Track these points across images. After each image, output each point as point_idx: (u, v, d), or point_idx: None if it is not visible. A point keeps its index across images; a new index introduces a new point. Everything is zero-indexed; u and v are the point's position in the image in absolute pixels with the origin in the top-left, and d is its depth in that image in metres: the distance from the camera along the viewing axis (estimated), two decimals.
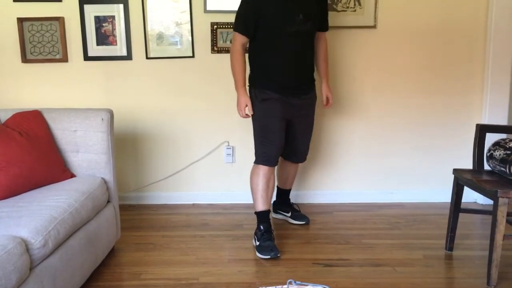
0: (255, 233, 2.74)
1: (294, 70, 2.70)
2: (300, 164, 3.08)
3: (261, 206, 2.74)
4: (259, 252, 2.62)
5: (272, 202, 3.18)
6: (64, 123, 2.54)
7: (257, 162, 2.75)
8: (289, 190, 3.17)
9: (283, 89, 2.69)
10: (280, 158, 2.93)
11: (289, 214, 3.12)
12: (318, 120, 3.38)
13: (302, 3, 2.64)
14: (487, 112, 3.31)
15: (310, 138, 2.96)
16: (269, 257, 2.58)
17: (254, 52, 2.74)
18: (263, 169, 2.71)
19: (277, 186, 3.15)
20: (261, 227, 2.71)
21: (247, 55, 2.75)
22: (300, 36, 2.65)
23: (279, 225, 3.06)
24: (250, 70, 2.78)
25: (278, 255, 2.59)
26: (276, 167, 2.87)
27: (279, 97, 2.68)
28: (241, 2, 2.66)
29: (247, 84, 2.77)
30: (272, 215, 3.18)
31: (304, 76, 2.77)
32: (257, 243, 2.67)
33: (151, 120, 3.39)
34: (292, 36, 2.62)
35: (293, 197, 3.35)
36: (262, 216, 2.74)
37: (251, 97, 2.73)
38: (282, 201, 3.17)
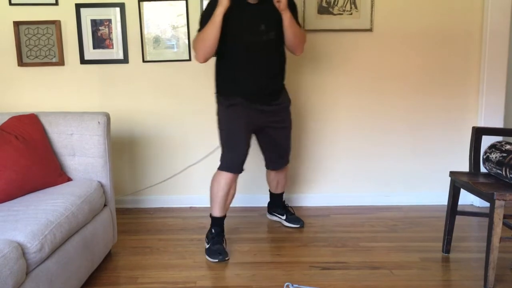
0: (207, 235, 2.74)
1: (260, 79, 2.67)
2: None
3: (217, 213, 2.72)
4: (207, 255, 2.63)
5: (266, 204, 3.21)
6: (61, 127, 2.53)
7: (220, 168, 2.70)
8: (282, 194, 3.15)
9: (249, 96, 2.67)
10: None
11: (284, 217, 3.11)
12: (315, 123, 3.38)
13: (264, 13, 2.60)
14: (483, 115, 3.32)
15: (288, 144, 2.92)
16: (217, 260, 2.58)
17: (219, 60, 2.72)
18: (225, 177, 2.67)
19: (269, 191, 3.15)
20: (213, 230, 2.71)
21: (213, 61, 2.73)
22: (264, 46, 2.63)
23: (275, 228, 3.06)
24: (216, 77, 2.76)
25: (227, 258, 2.59)
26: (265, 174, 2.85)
27: (245, 103, 2.66)
28: (207, 5, 2.62)
29: (214, 91, 2.77)
30: (267, 216, 3.20)
31: (270, 85, 2.73)
32: (207, 245, 2.68)
33: (148, 123, 3.39)
34: (255, 46, 2.60)
35: (289, 200, 3.36)
36: (216, 221, 2.73)
37: (218, 103, 2.75)
38: (276, 203, 3.15)
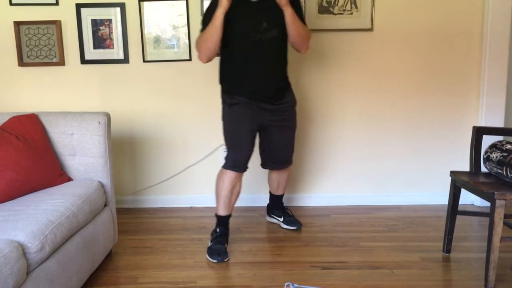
0: (211, 233, 2.76)
1: (261, 78, 2.66)
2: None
3: (222, 211, 2.74)
4: (207, 254, 2.63)
5: (266, 205, 3.19)
6: (61, 127, 2.53)
7: (224, 166, 2.71)
8: (282, 196, 3.13)
9: (251, 95, 2.67)
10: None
11: (281, 219, 3.09)
12: (315, 123, 3.38)
13: (266, 10, 2.59)
14: (484, 115, 3.32)
15: (291, 144, 2.90)
16: (215, 261, 2.58)
17: (222, 58, 2.73)
18: (229, 175, 2.68)
19: (269, 192, 3.14)
20: (217, 229, 2.73)
21: (217, 60, 2.74)
22: (266, 44, 2.61)
23: (276, 228, 3.06)
24: (220, 75, 2.78)
25: (225, 260, 2.59)
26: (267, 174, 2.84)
27: (248, 102, 2.66)
28: (209, 5, 2.63)
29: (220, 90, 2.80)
30: (266, 218, 3.19)
31: (273, 83, 2.71)
32: (210, 244, 2.68)
33: (148, 123, 3.39)
34: (257, 44, 2.59)
35: (290, 200, 3.36)
36: (221, 220, 2.75)
37: (222, 102, 2.77)
38: (275, 205, 3.14)
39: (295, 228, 3.03)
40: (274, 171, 3.00)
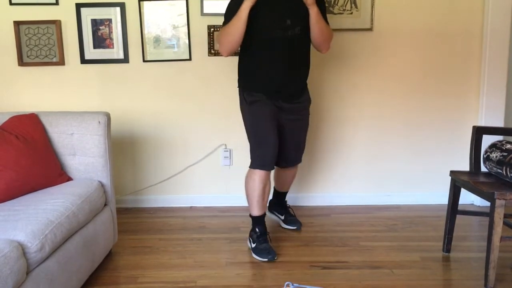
0: (250, 235, 2.74)
1: (282, 75, 2.65)
2: (298, 167, 3.07)
3: (257, 212, 2.72)
4: (256, 254, 2.62)
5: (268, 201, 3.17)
6: (61, 126, 2.53)
7: (253, 166, 2.69)
8: (286, 193, 3.14)
9: (270, 92, 2.66)
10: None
11: (282, 217, 3.09)
12: (315, 123, 3.38)
13: (291, 8, 2.59)
14: (484, 114, 3.32)
15: (302, 145, 2.91)
16: (266, 259, 2.58)
17: (243, 54, 2.72)
18: (259, 174, 2.66)
19: (274, 188, 3.13)
20: (257, 229, 2.71)
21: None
22: (288, 41, 2.60)
23: (276, 228, 3.06)
24: (239, 71, 2.77)
25: (276, 258, 2.59)
26: (273, 171, 2.84)
27: (267, 98, 2.66)
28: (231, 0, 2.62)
29: (237, 86, 2.79)
30: (267, 213, 3.17)
31: (293, 81, 2.71)
32: (253, 245, 2.67)
33: (148, 123, 3.39)
34: (279, 41, 2.58)
35: (291, 200, 3.35)
36: (258, 219, 2.73)
37: (240, 100, 2.75)
38: (278, 202, 3.14)
39: (295, 228, 3.04)
40: (283, 170, 2.99)
